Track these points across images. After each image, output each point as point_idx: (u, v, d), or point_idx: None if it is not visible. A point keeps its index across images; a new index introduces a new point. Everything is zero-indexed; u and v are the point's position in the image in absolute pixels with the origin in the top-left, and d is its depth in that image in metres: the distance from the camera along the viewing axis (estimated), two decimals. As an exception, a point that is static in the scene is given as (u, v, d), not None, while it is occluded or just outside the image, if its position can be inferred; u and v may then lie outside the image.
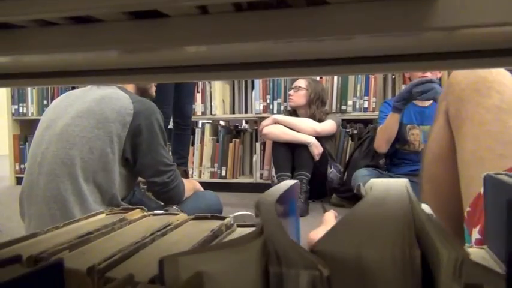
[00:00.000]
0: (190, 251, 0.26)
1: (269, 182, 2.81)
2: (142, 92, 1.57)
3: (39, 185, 1.36)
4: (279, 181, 2.42)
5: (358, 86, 2.72)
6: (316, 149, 2.39)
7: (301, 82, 2.53)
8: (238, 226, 0.58)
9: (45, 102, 3.16)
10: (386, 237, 0.28)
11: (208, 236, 0.49)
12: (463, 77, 0.92)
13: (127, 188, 1.50)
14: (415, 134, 2.32)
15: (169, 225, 0.55)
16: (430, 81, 1.97)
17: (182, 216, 0.60)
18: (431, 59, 0.47)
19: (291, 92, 2.54)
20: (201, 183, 1.91)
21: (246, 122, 4.16)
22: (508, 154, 0.78)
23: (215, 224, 0.56)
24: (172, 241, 0.50)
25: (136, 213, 0.60)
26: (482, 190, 0.75)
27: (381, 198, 0.40)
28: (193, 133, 3.02)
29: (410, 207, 0.37)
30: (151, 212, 0.63)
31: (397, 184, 0.47)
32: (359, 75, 2.72)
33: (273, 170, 2.63)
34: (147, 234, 0.50)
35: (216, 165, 2.97)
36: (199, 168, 3.00)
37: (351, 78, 2.73)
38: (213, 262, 0.25)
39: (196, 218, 0.60)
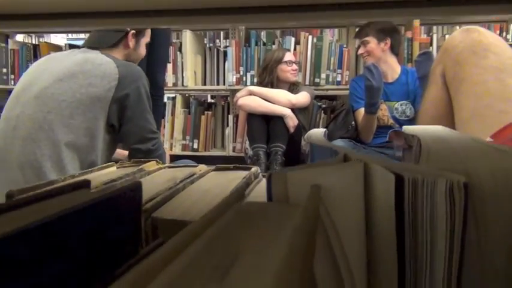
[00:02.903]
0: (293, 168, 0.24)
1: (242, 154, 2.79)
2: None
3: (13, 149, 1.28)
4: (254, 153, 2.42)
5: (332, 59, 2.72)
6: (292, 121, 2.39)
7: (293, 56, 2.53)
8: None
9: (4, 70, 2.96)
10: (479, 158, 0.27)
11: (242, 183, 0.47)
12: (459, 41, 0.94)
13: (108, 155, 1.44)
14: (383, 110, 2.36)
15: (193, 174, 0.52)
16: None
17: (202, 167, 0.57)
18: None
19: (294, 66, 2.51)
20: (173, 156, 1.86)
21: (213, 97, 4.06)
22: (508, 110, 0.81)
23: (238, 174, 0.54)
24: (204, 188, 0.48)
25: (152, 165, 0.57)
26: None
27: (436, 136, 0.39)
28: (164, 105, 2.94)
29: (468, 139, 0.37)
30: (166, 165, 0.60)
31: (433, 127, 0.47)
32: (332, 48, 2.72)
33: (246, 142, 2.61)
34: (177, 181, 0.47)
35: (187, 137, 2.91)
36: (170, 140, 2.94)
37: (325, 51, 2.72)
38: (323, 177, 0.23)
39: (218, 169, 0.57)
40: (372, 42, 2.29)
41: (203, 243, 0.17)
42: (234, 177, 0.52)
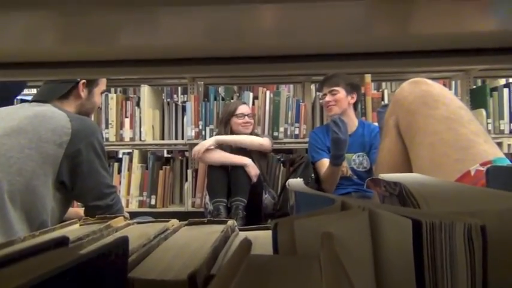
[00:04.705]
0: (298, 217, 0.23)
1: (202, 209, 2.72)
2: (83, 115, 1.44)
3: (-44, 211, 1.18)
4: (214, 208, 2.36)
5: (289, 113, 2.78)
6: (254, 170, 2.36)
7: (247, 108, 2.55)
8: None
9: None
10: (479, 201, 0.27)
11: (220, 237, 0.45)
12: (408, 92, 0.98)
13: (60, 215, 1.35)
14: (342, 161, 2.40)
15: (166, 229, 0.49)
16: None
17: (174, 221, 0.54)
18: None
19: (247, 118, 2.51)
20: (129, 213, 1.76)
21: (169, 152, 3.98)
22: (463, 158, 0.83)
23: (214, 228, 0.51)
24: (180, 244, 0.44)
25: (120, 221, 0.53)
26: None
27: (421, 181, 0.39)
28: (121, 160, 2.86)
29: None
30: (135, 220, 0.56)
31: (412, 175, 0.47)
32: (290, 103, 2.79)
33: (206, 197, 2.55)
34: (150, 237, 0.44)
35: (145, 193, 2.81)
36: (127, 197, 2.83)
37: (282, 105, 2.79)
38: (330, 225, 0.22)
39: (191, 224, 0.54)
40: (341, 93, 2.33)
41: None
42: (210, 231, 0.49)
